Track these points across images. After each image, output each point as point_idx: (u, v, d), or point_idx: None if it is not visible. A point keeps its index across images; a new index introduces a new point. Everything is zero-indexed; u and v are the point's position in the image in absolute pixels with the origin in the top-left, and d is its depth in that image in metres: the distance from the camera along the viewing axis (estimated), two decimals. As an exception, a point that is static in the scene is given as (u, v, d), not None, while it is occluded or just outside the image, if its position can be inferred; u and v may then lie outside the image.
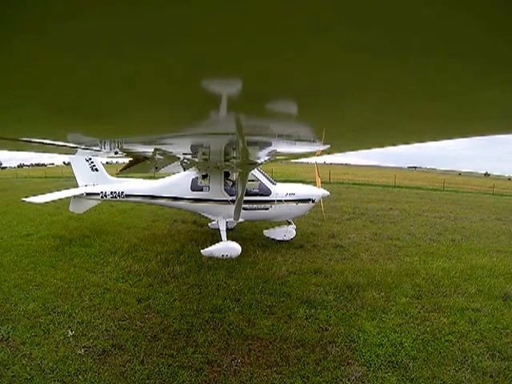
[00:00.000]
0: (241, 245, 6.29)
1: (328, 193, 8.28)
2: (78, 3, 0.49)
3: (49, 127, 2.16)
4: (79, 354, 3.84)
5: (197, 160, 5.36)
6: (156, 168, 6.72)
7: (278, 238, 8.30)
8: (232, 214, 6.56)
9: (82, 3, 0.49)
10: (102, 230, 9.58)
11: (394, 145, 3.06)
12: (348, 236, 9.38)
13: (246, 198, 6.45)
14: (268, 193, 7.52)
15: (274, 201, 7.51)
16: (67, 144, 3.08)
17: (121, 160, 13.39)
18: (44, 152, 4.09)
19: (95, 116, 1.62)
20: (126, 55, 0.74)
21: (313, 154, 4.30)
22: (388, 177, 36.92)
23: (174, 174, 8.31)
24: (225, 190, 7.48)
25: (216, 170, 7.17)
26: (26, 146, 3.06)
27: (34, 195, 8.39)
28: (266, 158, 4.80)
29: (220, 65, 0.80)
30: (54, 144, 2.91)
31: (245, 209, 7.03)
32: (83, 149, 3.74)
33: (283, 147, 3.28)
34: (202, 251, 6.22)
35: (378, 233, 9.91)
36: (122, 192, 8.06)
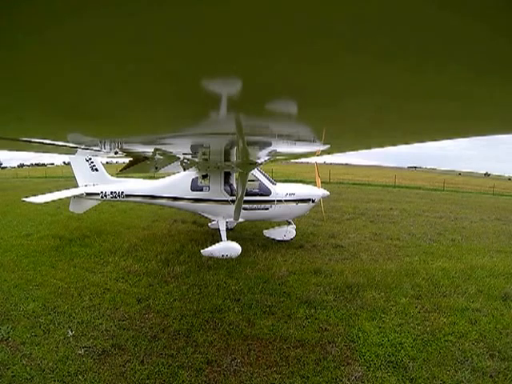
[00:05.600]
0: (241, 245, 6.28)
1: (328, 193, 8.28)
2: (78, 3, 0.49)
3: (49, 127, 2.16)
4: (79, 354, 3.84)
5: (197, 160, 5.36)
6: (156, 168, 6.73)
7: (278, 238, 8.29)
8: (232, 214, 6.56)
9: (81, 3, 0.49)
10: (102, 230, 9.57)
11: (394, 145, 3.06)
12: (348, 236, 9.37)
13: (246, 198, 6.45)
14: (268, 193, 7.52)
15: (274, 201, 7.51)
16: (67, 144, 3.08)
17: (121, 160, 13.40)
18: (44, 152, 4.09)
19: (95, 116, 1.62)
20: (125, 55, 0.74)
21: (313, 153, 4.30)
22: (388, 177, 36.93)
23: (174, 173, 8.31)
24: (225, 189, 7.48)
25: (216, 170, 7.17)
26: (26, 146, 3.06)
27: (34, 195, 8.38)
28: (266, 158, 4.80)
29: (220, 65, 0.80)
30: (54, 144, 2.91)
31: (245, 209, 7.03)
32: (83, 149, 3.74)
33: (283, 147, 3.28)
34: (201, 251, 6.22)
35: (378, 233, 9.91)
36: (122, 192, 8.06)
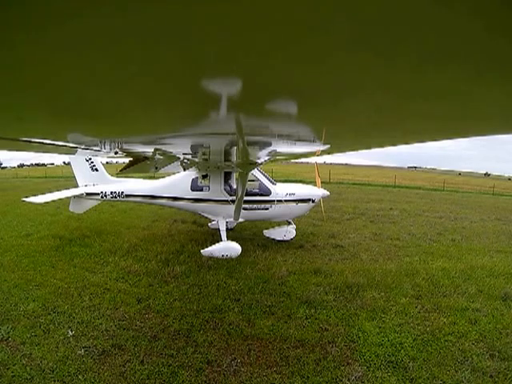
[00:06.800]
0: (241, 245, 6.28)
1: (328, 193, 8.28)
2: (78, 3, 0.49)
3: (49, 127, 2.16)
4: (79, 354, 3.84)
5: (197, 160, 5.36)
6: (156, 168, 6.73)
7: (278, 238, 8.29)
8: (232, 214, 6.56)
9: (81, 3, 0.49)
10: (102, 229, 9.57)
11: (393, 145, 3.06)
12: (348, 236, 9.37)
13: (246, 198, 6.45)
14: (268, 193, 7.52)
15: (274, 201, 7.51)
16: (67, 144, 3.08)
17: (121, 160, 13.40)
18: (44, 152, 4.09)
19: (95, 116, 1.62)
20: (126, 55, 0.74)
21: (313, 153, 4.30)
22: (388, 177, 36.94)
23: (174, 173, 8.31)
24: (225, 189, 7.48)
25: (216, 170, 7.17)
26: (26, 146, 3.06)
27: (34, 195, 8.37)
28: (266, 158, 4.80)
29: (220, 65, 0.80)
30: (54, 144, 2.91)
31: (245, 209, 7.03)
32: (83, 149, 3.74)
33: (283, 147, 3.28)
34: (201, 251, 6.22)
35: (378, 233, 9.91)
36: (122, 192, 8.06)
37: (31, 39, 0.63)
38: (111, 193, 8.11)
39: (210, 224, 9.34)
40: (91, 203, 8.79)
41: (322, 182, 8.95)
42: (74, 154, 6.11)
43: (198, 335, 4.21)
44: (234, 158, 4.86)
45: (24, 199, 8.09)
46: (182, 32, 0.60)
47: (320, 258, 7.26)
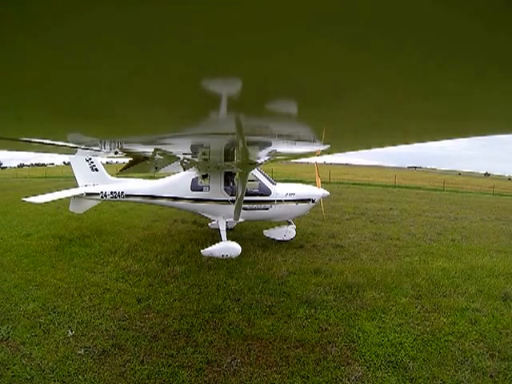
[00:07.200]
0: (241, 245, 6.28)
1: (328, 193, 8.28)
2: (78, 3, 0.49)
3: (49, 127, 2.16)
4: (79, 354, 3.84)
5: (197, 160, 5.36)
6: (156, 168, 6.73)
7: (278, 238, 8.30)
8: (232, 214, 6.56)
9: (81, 3, 0.49)
10: (102, 229, 9.57)
11: (393, 145, 3.06)
12: (348, 236, 9.37)
13: (246, 198, 6.45)
14: (268, 193, 7.52)
15: (274, 201, 7.51)
16: (67, 144, 3.08)
17: (121, 160, 13.40)
18: (44, 152, 4.09)
19: (95, 116, 1.62)
20: (126, 55, 0.74)
21: (313, 153, 4.30)
22: (388, 177, 36.94)
23: (174, 173, 8.31)
24: (225, 189, 7.48)
25: (216, 170, 7.17)
26: (26, 146, 3.07)
27: (34, 195, 8.38)
28: (266, 158, 4.80)
29: (220, 65, 0.80)
30: (54, 144, 2.91)
31: (245, 209, 7.03)
32: (83, 149, 3.74)
33: (283, 147, 3.29)
34: (201, 251, 6.22)
35: (378, 233, 9.90)
36: (122, 192, 8.06)
37: (31, 39, 0.63)
38: (111, 193, 8.11)
39: (210, 224, 9.33)
40: (91, 203, 8.79)
41: (322, 182, 8.96)
42: (74, 154, 6.11)
43: (198, 335, 4.21)
44: (234, 158, 4.86)
45: (24, 199, 8.10)
46: (182, 32, 0.60)
47: (320, 258, 7.26)
